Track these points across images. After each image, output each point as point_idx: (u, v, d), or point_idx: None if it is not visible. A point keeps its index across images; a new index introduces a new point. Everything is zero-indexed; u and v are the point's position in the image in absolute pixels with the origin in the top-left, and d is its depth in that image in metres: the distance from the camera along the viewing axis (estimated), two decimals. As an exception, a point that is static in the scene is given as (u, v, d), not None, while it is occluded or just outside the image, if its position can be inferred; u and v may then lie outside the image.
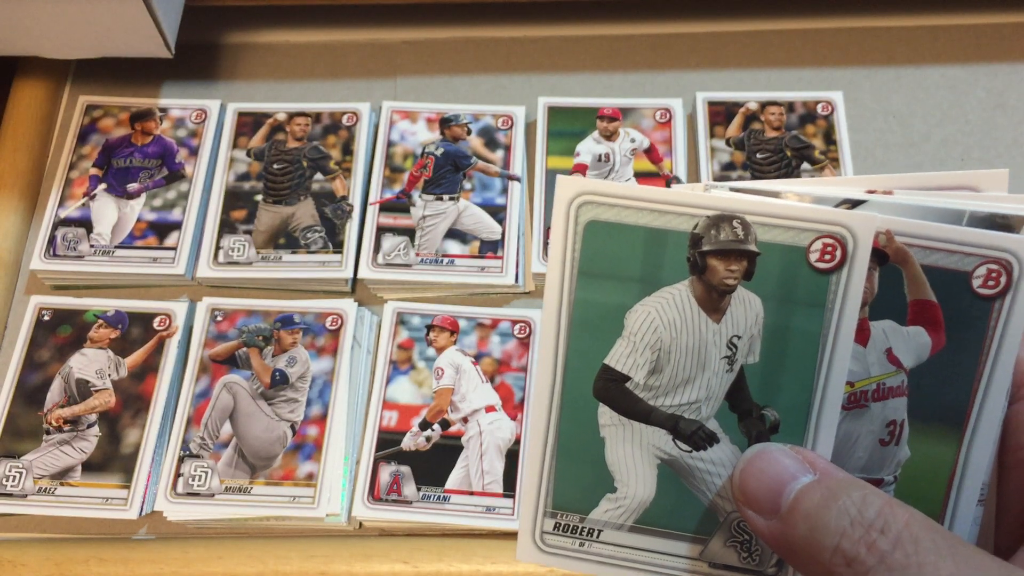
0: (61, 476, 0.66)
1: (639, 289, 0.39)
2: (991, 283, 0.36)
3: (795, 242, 0.37)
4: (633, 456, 0.40)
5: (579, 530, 0.41)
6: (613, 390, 0.40)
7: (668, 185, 0.74)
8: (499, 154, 0.77)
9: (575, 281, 0.39)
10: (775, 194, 0.38)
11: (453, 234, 0.74)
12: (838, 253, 0.37)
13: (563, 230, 0.39)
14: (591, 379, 0.40)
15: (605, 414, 0.40)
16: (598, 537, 0.41)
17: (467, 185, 0.76)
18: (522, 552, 0.41)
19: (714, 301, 0.39)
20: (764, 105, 0.78)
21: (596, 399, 0.40)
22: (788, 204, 0.38)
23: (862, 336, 0.38)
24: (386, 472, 0.65)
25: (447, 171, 0.76)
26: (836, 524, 0.32)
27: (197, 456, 0.66)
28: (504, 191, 0.75)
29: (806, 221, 0.37)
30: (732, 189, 0.39)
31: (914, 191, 0.39)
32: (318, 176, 0.76)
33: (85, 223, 0.75)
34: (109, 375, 0.69)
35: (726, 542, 0.40)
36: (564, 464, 0.40)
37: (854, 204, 0.39)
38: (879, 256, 0.37)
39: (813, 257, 0.37)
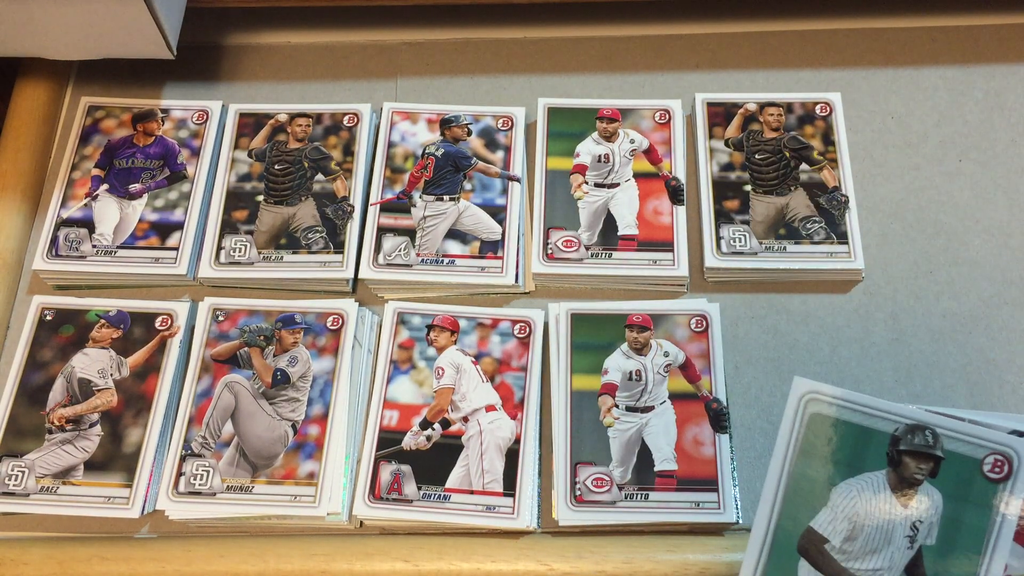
0: (63, 475, 0.66)
1: (846, 471, 0.51)
2: None
3: (972, 454, 0.50)
4: None
5: None
6: (813, 549, 0.50)
7: (667, 185, 0.75)
8: (499, 155, 0.77)
9: (795, 458, 0.51)
10: (960, 418, 0.51)
11: (453, 234, 0.74)
12: (1006, 468, 0.49)
13: (792, 418, 0.52)
14: (796, 537, 0.51)
15: (804, 568, 0.51)
16: None
17: (467, 186, 0.76)
18: None
19: (904, 490, 0.50)
20: (763, 106, 0.78)
21: (799, 554, 0.50)
22: (969, 425, 0.50)
23: (1021, 537, 0.49)
24: (387, 471, 0.65)
25: (447, 172, 0.76)
26: None
27: (199, 455, 0.67)
28: (504, 192, 0.76)
29: (983, 440, 0.50)
30: (927, 410, 0.52)
31: None
32: (319, 177, 0.77)
33: (87, 223, 0.75)
34: (111, 375, 0.70)
35: None
36: None
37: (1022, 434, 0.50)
38: None
39: (986, 468, 0.49)
